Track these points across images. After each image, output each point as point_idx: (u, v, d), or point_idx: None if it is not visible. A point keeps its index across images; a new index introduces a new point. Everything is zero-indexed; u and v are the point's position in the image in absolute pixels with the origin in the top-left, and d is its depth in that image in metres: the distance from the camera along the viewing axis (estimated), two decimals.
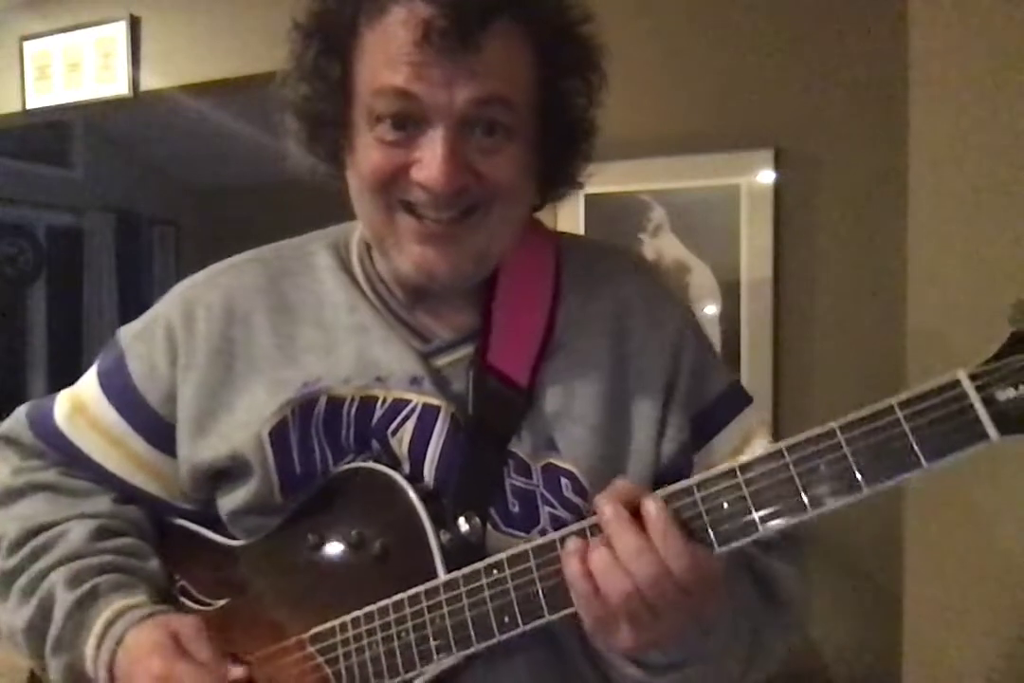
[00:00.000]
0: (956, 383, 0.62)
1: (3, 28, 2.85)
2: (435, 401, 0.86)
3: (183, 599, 0.92)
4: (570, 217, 2.00)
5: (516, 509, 0.83)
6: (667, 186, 1.92)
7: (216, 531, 0.93)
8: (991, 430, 0.61)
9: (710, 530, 0.68)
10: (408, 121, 0.79)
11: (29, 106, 2.83)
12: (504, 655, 0.80)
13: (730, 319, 1.87)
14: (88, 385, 0.98)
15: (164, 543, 0.97)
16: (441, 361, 0.89)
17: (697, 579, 0.67)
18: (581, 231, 1.99)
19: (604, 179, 1.96)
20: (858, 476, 0.64)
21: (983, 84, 1.41)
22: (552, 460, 0.85)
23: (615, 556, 0.68)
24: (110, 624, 0.85)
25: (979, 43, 1.41)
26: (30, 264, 5.05)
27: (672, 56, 1.92)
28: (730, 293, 1.87)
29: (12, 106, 2.86)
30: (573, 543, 0.71)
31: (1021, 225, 1.39)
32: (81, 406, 0.97)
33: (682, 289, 1.92)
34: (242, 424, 0.88)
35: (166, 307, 0.97)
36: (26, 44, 2.81)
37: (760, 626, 0.85)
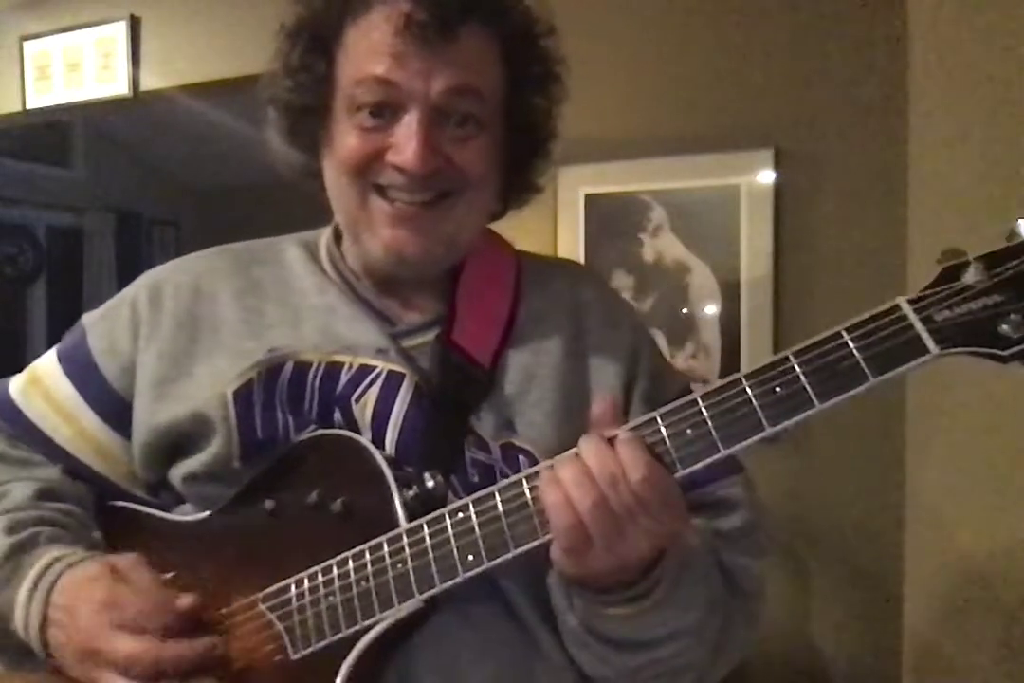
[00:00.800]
0: (897, 308, 0.68)
1: (3, 28, 2.85)
2: (400, 369, 0.88)
3: None
4: (570, 217, 2.00)
5: (476, 480, 0.85)
6: (667, 186, 1.92)
7: (162, 506, 0.93)
8: (931, 344, 0.67)
9: (673, 452, 0.72)
10: (386, 109, 0.84)
11: (29, 106, 2.83)
12: (464, 627, 0.81)
13: (730, 319, 1.87)
14: (47, 359, 0.99)
15: (111, 527, 0.94)
16: (407, 343, 0.91)
17: (652, 491, 0.70)
18: (581, 231, 2.00)
19: (604, 179, 1.99)
20: (811, 394, 0.69)
21: (983, 84, 1.41)
22: (510, 440, 0.87)
23: (584, 467, 0.71)
24: (48, 567, 0.83)
25: (979, 43, 1.41)
26: (30, 264, 5.05)
27: (672, 56, 1.92)
28: (730, 293, 1.87)
29: (12, 106, 2.86)
30: (548, 464, 0.75)
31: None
32: (36, 378, 0.97)
33: (682, 289, 1.92)
34: (205, 386, 0.89)
35: (133, 289, 0.99)
36: (26, 44, 2.81)
37: (728, 615, 0.86)
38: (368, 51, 0.85)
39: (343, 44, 0.87)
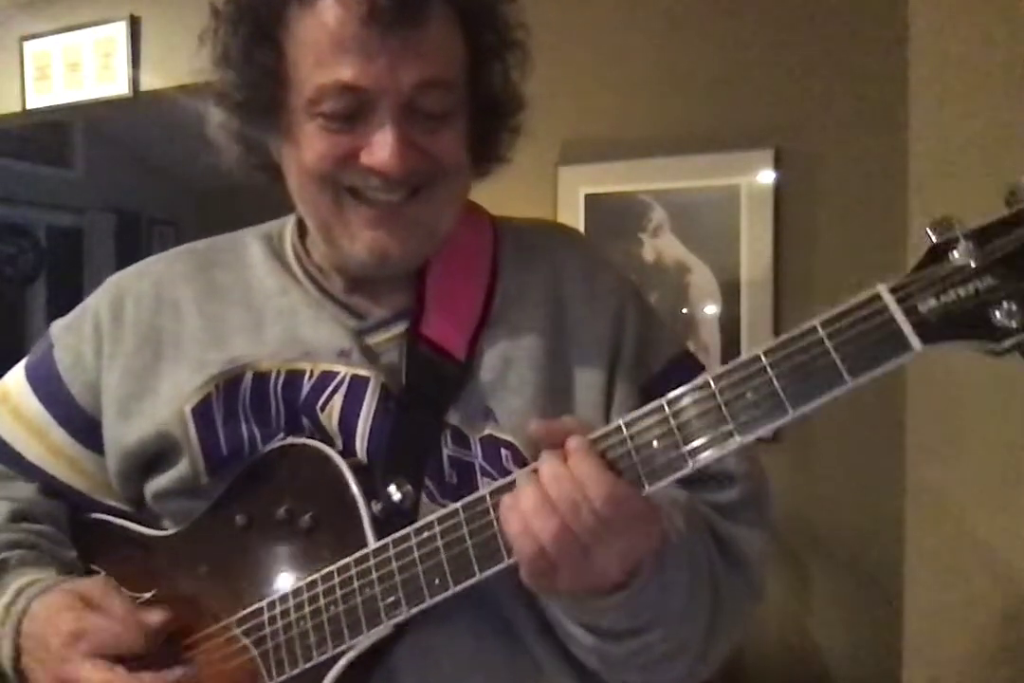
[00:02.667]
0: (876, 297, 0.61)
1: (3, 28, 2.85)
2: (364, 372, 0.84)
3: None
4: (570, 217, 2.00)
5: (453, 480, 0.81)
6: (667, 186, 1.92)
7: (140, 520, 0.92)
8: (914, 340, 0.60)
9: (639, 467, 0.67)
10: (354, 112, 0.79)
11: (29, 106, 2.83)
12: (447, 628, 0.78)
13: (730, 319, 1.87)
14: (15, 375, 0.97)
15: (87, 541, 0.94)
16: (374, 338, 0.87)
17: (617, 510, 0.66)
18: (581, 231, 2.00)
19: (604, 179, 1.99)
20: (783, 398, 0.63)
21: (983, 84, 1.41)
22: (491, 431, 0.83)
23: (543, 493, 0.67)
24: (15, 599, 0.82)
25: (979, 43, 1.41)
26: (30, 264, 5.05)
27: (672, 56, 1.92)
28: (730, 293, 1.87)
29: (12, 106, 2.86)
30: (508, 490, 0.70)
31: None
32: (5, 395, 0.96)
33: (682, 289, 1.92)
34: (165, 401, 0.86)
35: (96, 299, 0.97)
36: (26, 44, 2.81)
37: (721, 589, 0.83)
38: (327, 46, 0.77)
39: (291, 31, 0.79)
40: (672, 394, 0.67)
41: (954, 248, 0.60)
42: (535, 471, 0.68)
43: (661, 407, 0.67)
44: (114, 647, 0.77)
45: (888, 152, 1.69)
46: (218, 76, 0.84)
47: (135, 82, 2.62)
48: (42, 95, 2.81)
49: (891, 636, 1.60)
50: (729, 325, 1.87)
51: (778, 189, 1.83)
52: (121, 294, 0.94)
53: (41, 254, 5.08)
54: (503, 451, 0.83)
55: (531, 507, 0.67)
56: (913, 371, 1.51)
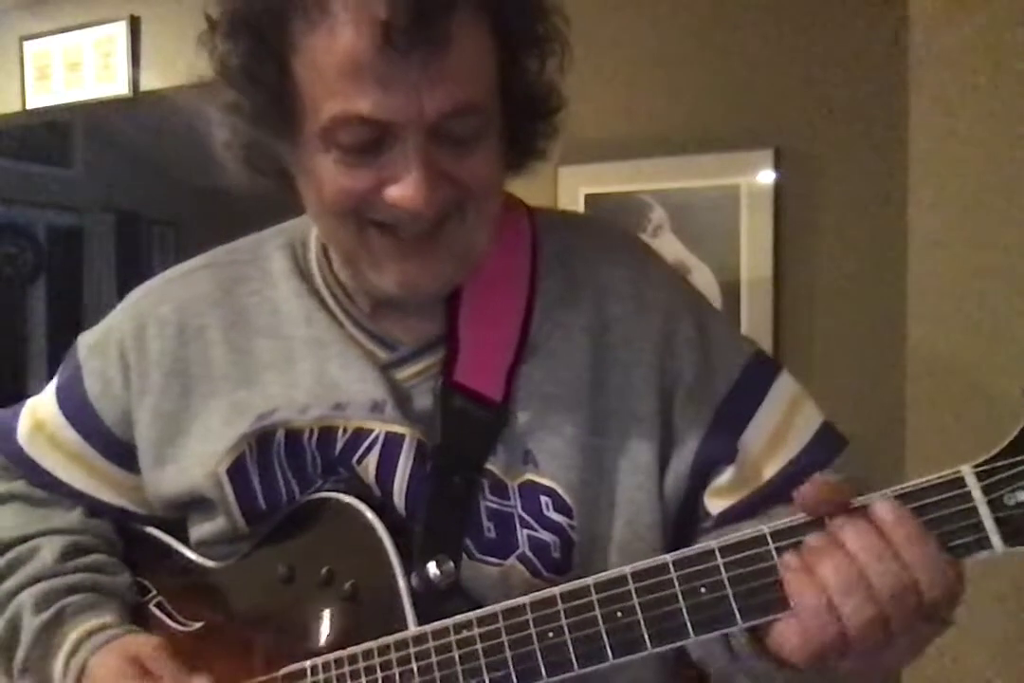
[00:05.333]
0: (960, 481, 0.55)
1: (3, 28, 2.85)
2: (399, 429, 0.80)
3: (160, 615, 0.91)
4: None
5: (491, 534, 0.78)
6: (667, 186, 1.92)
7: (189, 544, 0.92)
8: (995, 539, 0.54)
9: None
10: (375, 141, 0.71)
11: (29, 106, 2.83)
12: None
13: (730, 319, 1.87)
14: (48, 400, 0.97)
15: (139, 554, 0.96)
16: (405, 372, 0.84)
17: (947, 599, 0.57)
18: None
19: (604, 179, 1.99)
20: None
21: (983, 84, 1.41)
22: (530, 476, 0.79)
23: (858, 568, 0.56)
24: (76, 648, 0.84)
25: (979, 43, 1.41)
26: (30, 264, 5.04)
27: (672, 56, 1.92)
28: (730, 293, 1.87)
29: (12, 106, 2.86)
30: (792, 557, 0.59)
31: (1022, 224, 1.39)
32: (41, 423, 0.96)
33: None
34: (199, 459, 0.85)
35: (119, 320, 0.94)
36: (26, 44, 2.81)
37: None
38: (340, 75, 0.68)
39: (298, 50, 0.70)
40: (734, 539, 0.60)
41: None
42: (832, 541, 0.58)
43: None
44: None
45: (888, 152, 1.69)
46: (220, 91, 0.78)
47: (135, 82, 2.62)
48: (42, 95, 2.81)
49: None
50: None
51: (778, 189, 1.83)
52: (143, 321, 0.91)
53: (41, 254, 5.07)
54: (543, 498, 0.78)
55: (842, 585, 0.56)
56: (912, 372, 1.50)
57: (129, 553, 0.96)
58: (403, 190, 0.71)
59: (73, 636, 0.85)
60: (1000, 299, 1.40)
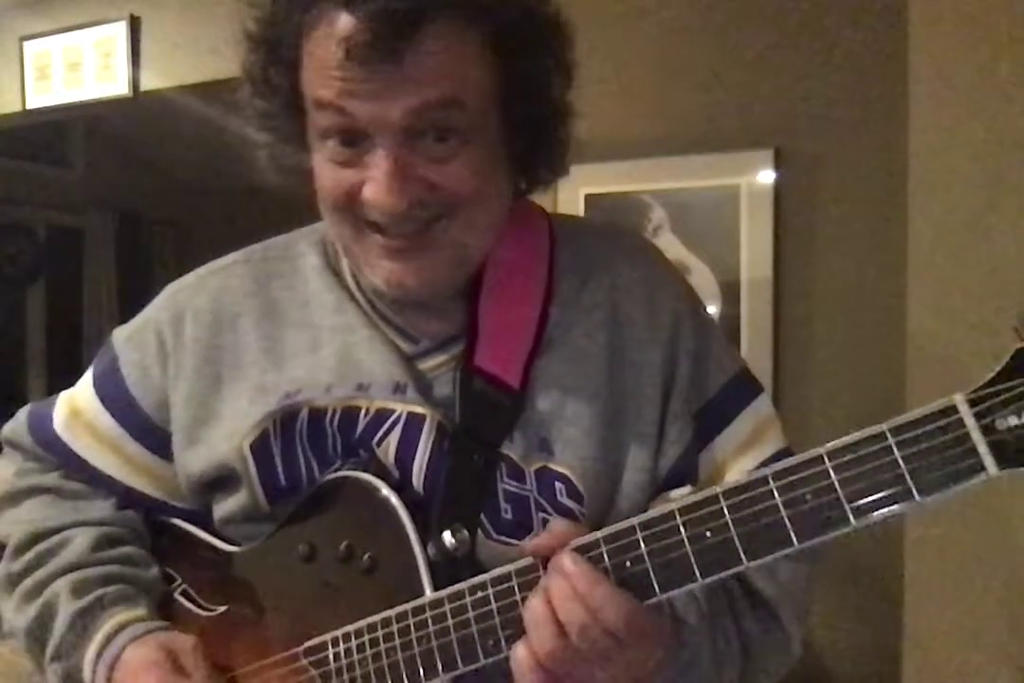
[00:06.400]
0: (952, 409, 0.58)
1: (3, 28, 2.85)
2: (420, 409, 0.83)
3: (186, 602, 0.93)
4: None
5: (508, 516, 0.81)
6: (667, 186, 1.92)
7: (214, 533, 0.94)
8: (989, 463, 0.56)
9: (652, 574, 0.66)
10: (354, 138, 0.76)
11: (29, 106, 2.83)
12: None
13: (730, 319, 1.87)
14: (84, 389, 0.98)
15: (165, 545, 0.97)
16: (428, 363, 0.87)
17: (628, 631, 0.66)
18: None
19: (604, 179, 1.99)
20: (847, 509, 0.60)
21: (984, 84, 1.41)
22: (546, 463, 0.82)
23: (551, 610, 0.68)
24: (111, 637, 0.85)
25: (979, 42, 1.41)
26: (30, 264, 5.05)
27: (672, 56, 1.92)
28: (730, 293, 1.87)
29: (12, 106, 2.86)
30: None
31: (1021, 224, 1.39)
32: (77, 411, 0.97)
33: None
34: (226, 435, 0.88)
35: (156, 311, 0.97)
36: (26, 44, 2.81)
37: (752, 647, 0.83)
38: (318, 71, 0.76)
39: (301, 58, 0.78)
40: (691, 499, 0.66)
41: None
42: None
43: (672, 513, 0.66)
44: None
45: (888, 152, 1.69)
46: (249, 103, 0.84)
47: (135, 82, 2.62)
48: (42, 95, 2.81)
49: (891, 636, 1.61)
50: (729, 325, 1.87)
51: (778, 189, 1.83)
52: (181, 311, 0.94)
53: (41, 254, 5.08)
54: (557, 484, 0.82)
55: (537, 620, 0.68)
56: (913, 372, 1.51)
57: (155, 543, 0.98)
58: (372, 188, 0.76)
59: (109, 625, 0.86)
60: (1002, 297, 1.40)
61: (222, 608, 0.90)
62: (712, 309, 1.89)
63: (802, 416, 1.80)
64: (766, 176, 1.83)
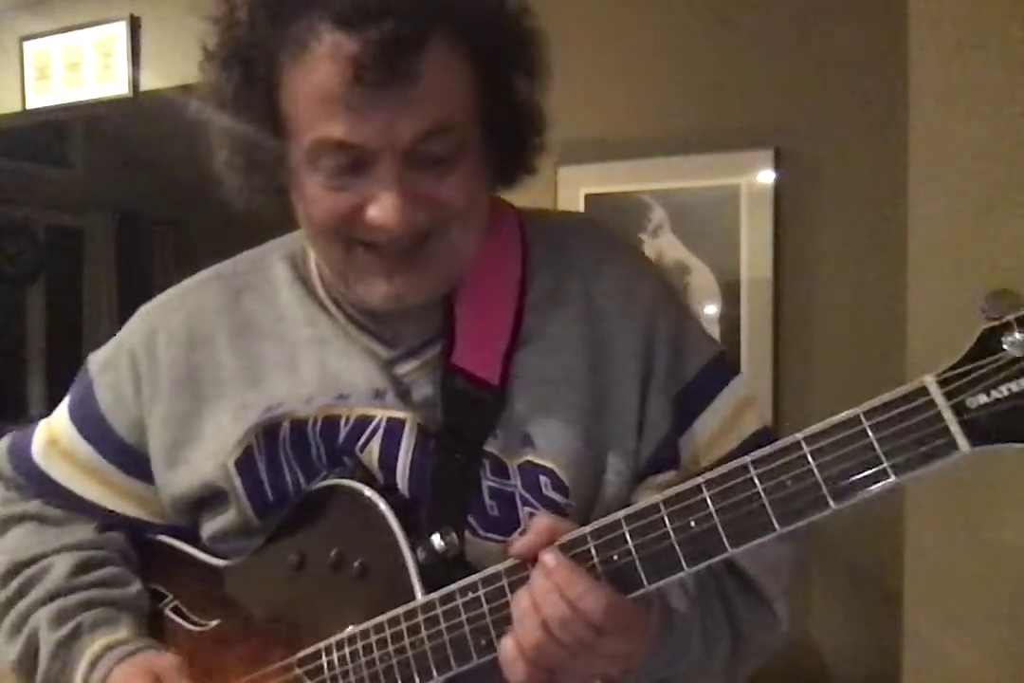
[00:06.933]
0: (923, 390, 0.58)
1: (3, 28, 2.85)
2: (399, 414, 0.84)
3: (177, 618, 0.92)
4: None
5: (495, 512, 0.81)
6: (667, 186, 1.92)
7: (202, 547, 0.94)
8: (961, 441, 0.57)
9: (639, 565, 0.68)
10: (355, 163, 0.76)
11: (29, 106, 2.83)
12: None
13: (730, 319, 1.87)
14: (61, 417, 0.98)
15: (153, 561, 0.97)
16: (406, 367, 0.87)
17: (608, 619, 0.67)
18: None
19: (604, 179, 1.99)
20: (825, 492, 0.61)
21: (983, 84, 1.41)
22: (530, 458, 0.82)
23: (534, 603, 0.69)
24: (93, 665, 0.85)
25: (979, 43, 1.41)
26: (30, 264, 5.05)
27: (672, 56, 1.92)
28: (730, 293, 1.87)
29: (12, 106, 2.86)
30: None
31: (1021, 224, 1.39)
32: (55, 439, 0.97)
33: (682, 289, 1.92)
34: (209, 454, 0.88)
35: (129, 334, 0.97)
36: (26, 44, 2.81)
37: (742, 626, 0.84)
38: (318, 103, 0.74)
39: (283, 83, 0.76)
40: (676, 490, 0.67)
41: (1008, 334, 0.56)
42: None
43: (657, 506, 0.67)
44: None
45: (888, 152, 1.69)
46: (216, 116, 0.82)
47: (135, 82, 2.62)
48: (42, 95, 2.81)
49: (891, 636, 1.60)
50: (729, 325, 1.87)
51: (778, 189, 1.83)
52: (154, 330, 0.94)
53: (41, 254, 5.08)
54: (542, 478, 0.82)
55: (521, 614, 0.69)
56: (913, 372, 1.51)
57: (143, 561, 0.97)
58: (380, 211, 0.75)
59: (91, 651, 0.86)
60: None
61: (214, 622, 0.90)
62: (712, 309, 1.89)
63: (802, 416, 1.79)
64: (766, 176, 1.83)
